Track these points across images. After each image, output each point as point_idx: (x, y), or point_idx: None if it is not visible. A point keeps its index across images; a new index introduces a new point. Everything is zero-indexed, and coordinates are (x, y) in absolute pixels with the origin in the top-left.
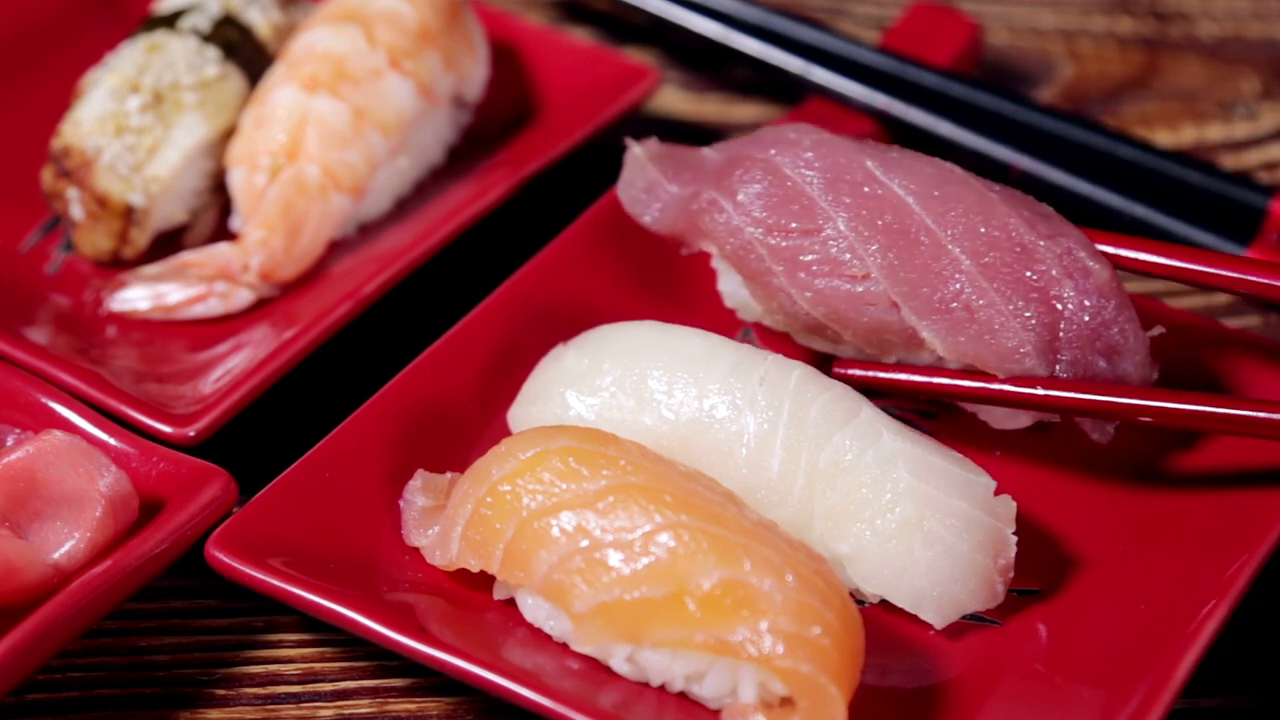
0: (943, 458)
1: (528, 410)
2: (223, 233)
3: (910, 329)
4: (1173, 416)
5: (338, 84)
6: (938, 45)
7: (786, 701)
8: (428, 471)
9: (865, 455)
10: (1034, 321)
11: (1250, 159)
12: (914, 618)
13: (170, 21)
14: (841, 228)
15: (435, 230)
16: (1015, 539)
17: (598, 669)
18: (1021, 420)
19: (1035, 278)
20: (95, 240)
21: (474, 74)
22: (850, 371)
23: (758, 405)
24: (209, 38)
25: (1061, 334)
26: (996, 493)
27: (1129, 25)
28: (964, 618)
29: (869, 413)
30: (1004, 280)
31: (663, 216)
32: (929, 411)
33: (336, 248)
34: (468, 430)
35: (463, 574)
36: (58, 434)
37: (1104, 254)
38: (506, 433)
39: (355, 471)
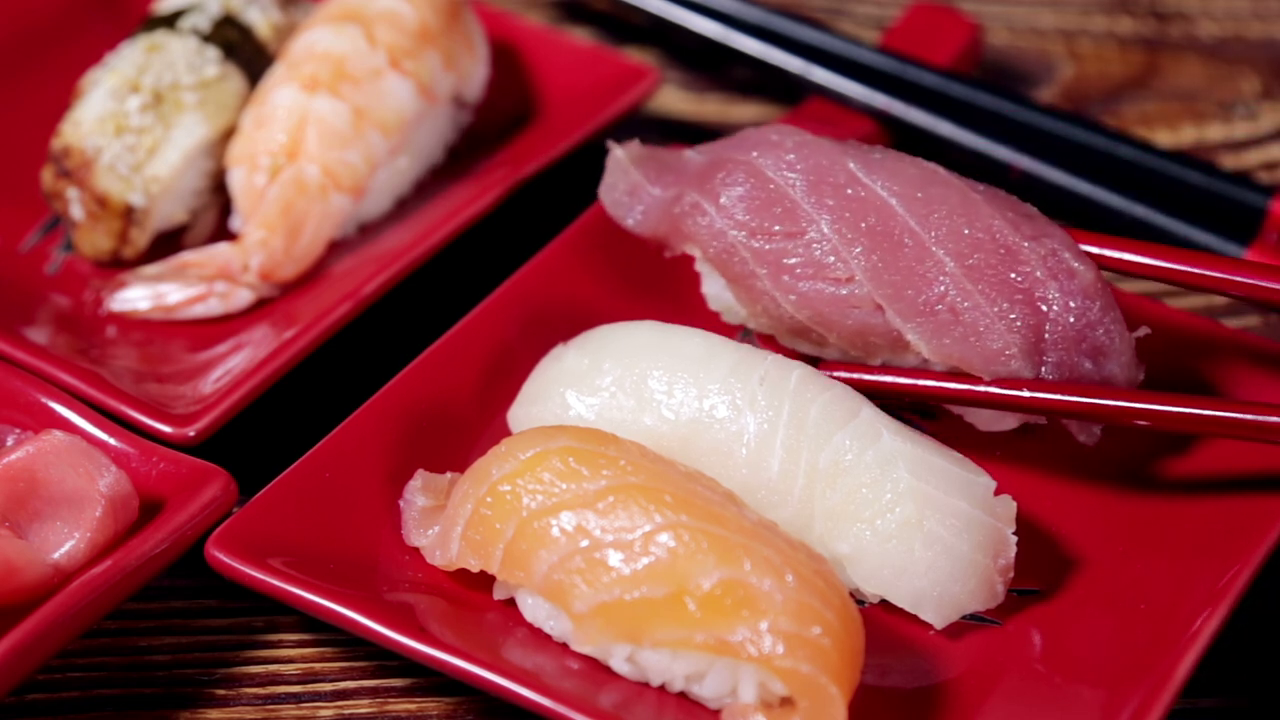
0: (943, 458)
1: (528, 410)
2: (223, 233)
3: (895, 331)
4: (1160, 418)
5: (338, 84)
6: (938, 45)
7: (786, 701)
8: (428, 471)
9: (865, 455)
10: (1019, 323)
11: (1250, 159)
12: (914, 618)
13: (170, 21)
14: (825, 230)
15: (435, 230)
16: (1015, 539)
17: (598, 669)
18: (1008, 422)
19: (1020, 279)
20: (95, 240)
21: (474, 74)
22: (836, 374)
23: (758, 405)
24: (209, 38)
25: (1047, 336)
26: (996, 493)
27: (1129, 25)
28: (964, 618)
29: (869, 413)
30: (988, 282)
31: (645, 219)
32: (929, 411)
33: (336, 248)
34: (468, 430)
35: (463, 574)
36: (58, 434)
37: (1089, 255)
38: (506, 433)
39: (355, 471)
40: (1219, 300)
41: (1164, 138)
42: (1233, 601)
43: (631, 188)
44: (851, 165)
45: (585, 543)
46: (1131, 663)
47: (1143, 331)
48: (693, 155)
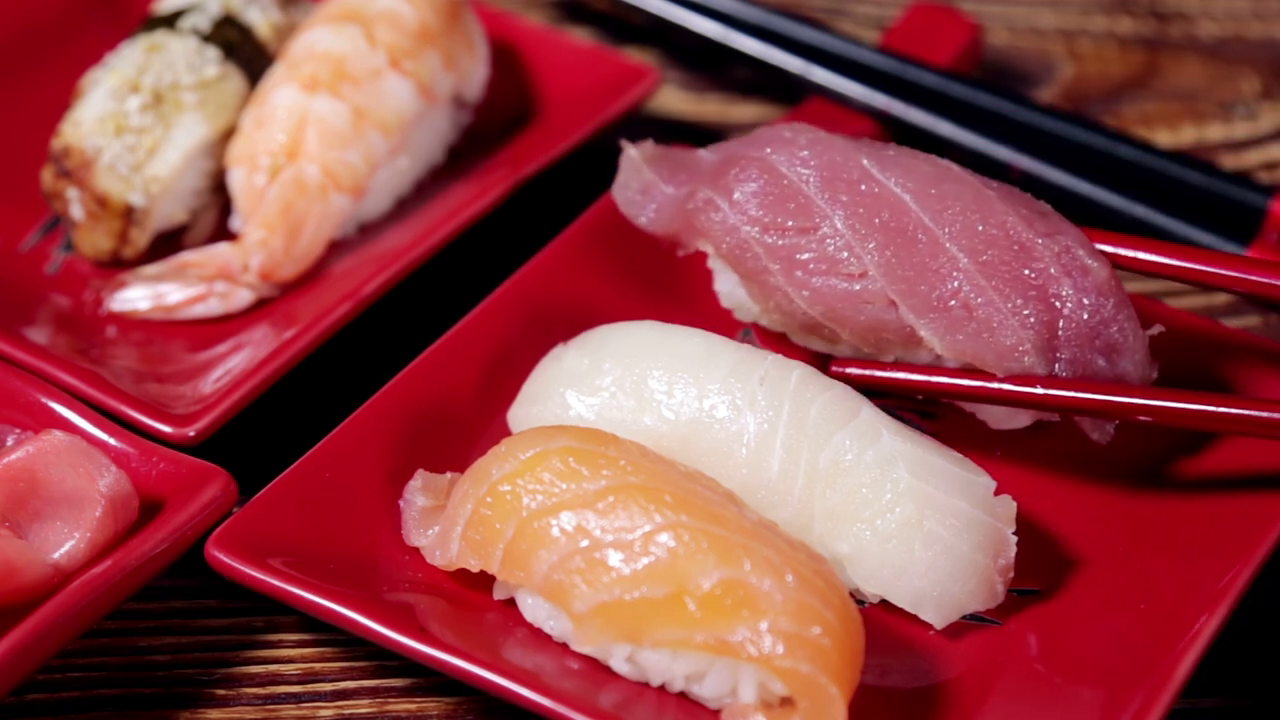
0: (943, 458)
1: (528, 410)
2: (223, 233)
3: (908, 327)
4: (1172, 415)
5: (338, 84)
6: (938, 45)
7: (786, 701)
8: (428, 471)
9: (865, 455)
10: (1033, 320)
11: (1250, 159)
12: (914, 618)
13: (170, 21)
14: (838, 226)
15: (435, 230)
16: (1015, 539)
17: (598, 669)
18: (1020, 420)
19: (1033, 276)
20: (95, 240)
21: (474, 74)
22: (848, 370)
23: (758, 405)
24: (209, 38)
25: (1060, 332)
26: (996, 493)
27: (1129, 25)
28: (964, 618)
29: (869, 413)
30: (1002, 278)
31: (658, 217)
32: (929, 411)
33: (336, 248)
34: (468, 430)
35: (463, 574)
36: (58, 434)
37: (1102, 252)
38: (506, 433)
39: (355, 471)
40: (1219, 300)
41: (1164, 138)
42: (1233, 601)
43: (644, 186)
44: (865, 161)
45: (585, 543)
46: (1131, 663)
47: (1156, 329)
48: (705, 154)
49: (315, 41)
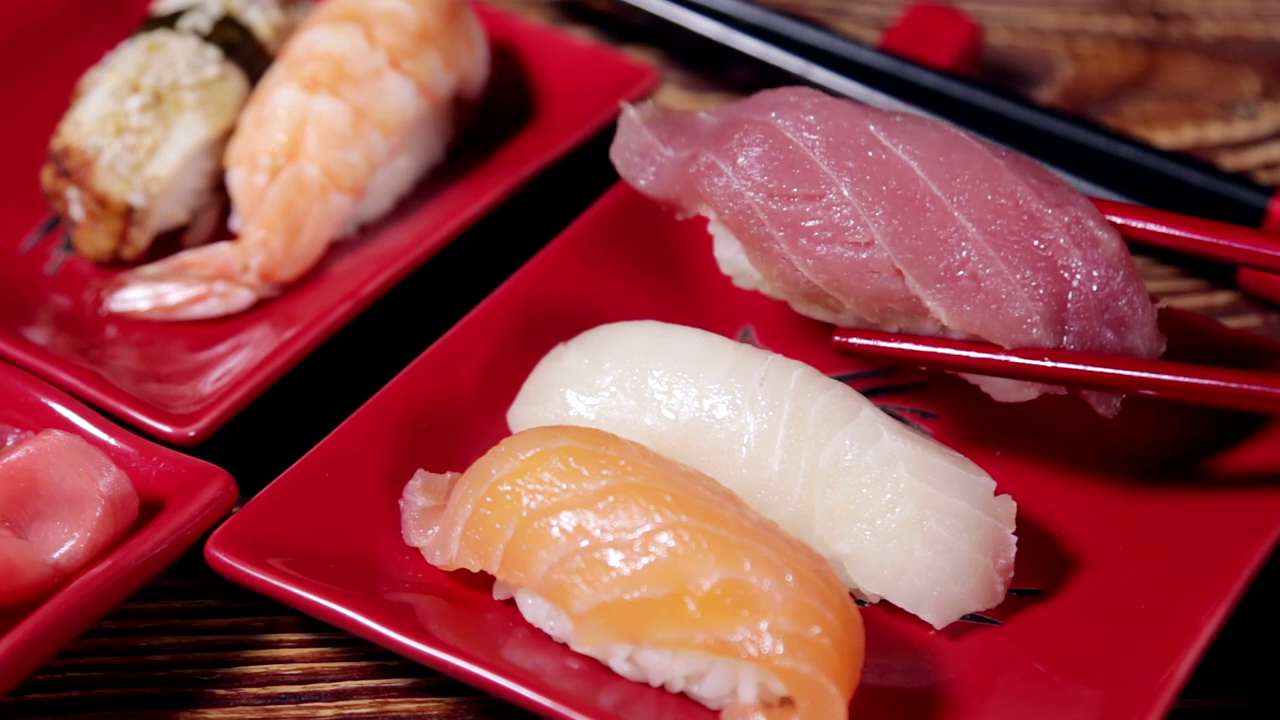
0: (943, 458)
1: (528, 410)
2: (223, 233)
3: (914, 298)
4: (1180, 390)
5: (338, 84)
6: (938, 45)
7: (786, 701)
8: (428, 471)
9: (865, 455)
10: (1041, 291)
11: (1250, 159)
12: (914, 618)
13: (170, 21)
14: (845, 193)
15: (435, 230)
16: (1015, 539)
17: (598, 669)
18: (1027, 393)
19: (1043, 247)
20: (95, 240)
21: (474, 74)
22: (851, 340)
23: (758, 405)
24: (209, 38)
25: (1069, 305)
26: (996, 493)
27: (1129, 25)
28: (964, 618)
29: (869, 413)
30: (1011, 249)
31: (657, 180)
32: (929, 412)
33: (336, 248)
34: (468, 430)
35: (463, 574)
36: (58, 434)
37: (1112, 224)
38: (506, 433)
39: (355, 471)
40: (1219, 300)
41: (1164, 138)
42: (1233, 601)
43: (644, 148)
44: (872, 127)
45: (585, 543)
46: (1131, 663)
47: (1164, 303)
48: (707, 116)
49: (315, 41)
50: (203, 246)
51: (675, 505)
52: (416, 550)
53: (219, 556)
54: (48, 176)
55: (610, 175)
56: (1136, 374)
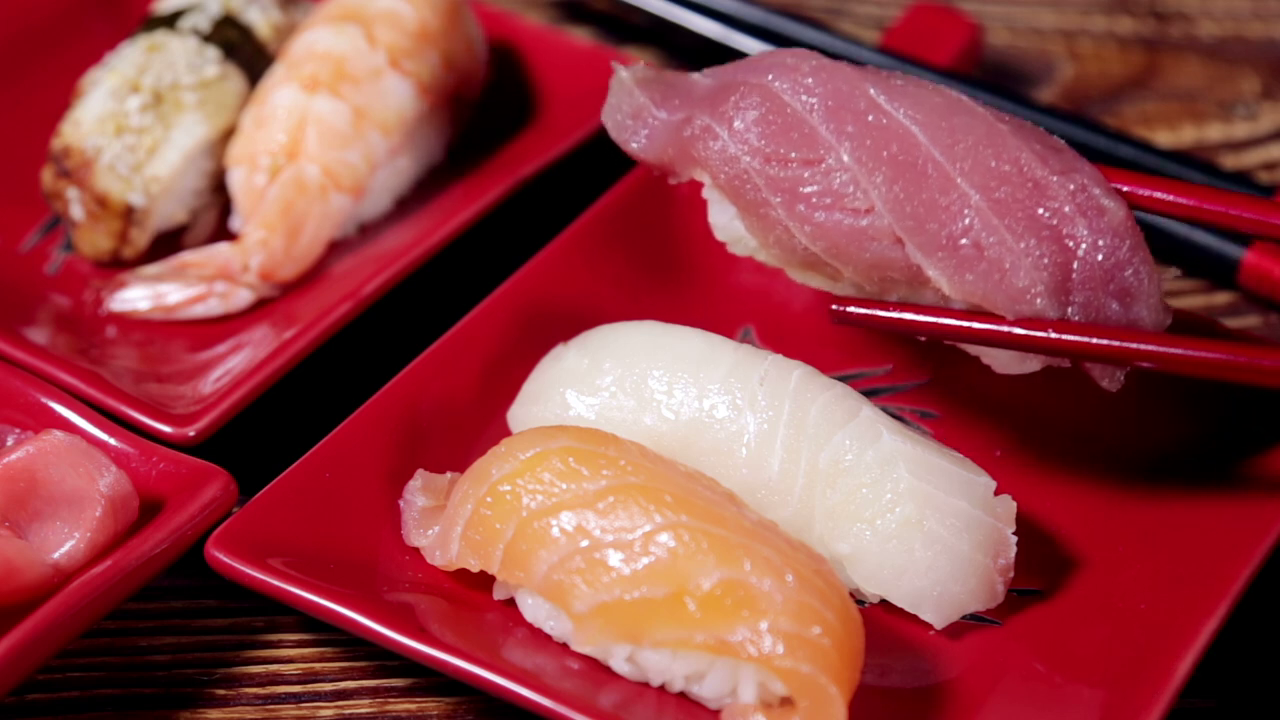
0: (943, 458)
1: (528, 410)
2: (223, 233)
3: (915, 266)
4: (1187, 364)
5: (338, 84)
6: (938, 45)
7: (786, 701)
8: (428, 471)
9: (865, 455)
10: (1046, 261)
11: (1250, 159)
12: (914, 618)
13: (170, 21)
14: (844, 159)
15: (435, 230)
16: (1015, 539)
17: (598, 669)
18: (1029, 365)
19: (1047, 215)
20: (95, 240)
21: (474, 74)
22: (849, 309)
23: (758, 405)
24: (209, 38)
25: (1074, 275)
26: (996, 493)
27: (1129, 25)
28: (964, 618)
29: (869, 413)
30: (1015, 217)
31: (650, 144)
32: (929, 411)
33: (336, 248)
34: (468, 430)
35: (463, 574)
36: (58, 434)
37: (1119, 192)
38: (506, 433)
39: (355, 471)
40: (1219, 300)
41: (1164, 138)
42: (1233, 601)
43: (635, 110)
44: (872, 91)
45: (585, 543)
46: (1131, 663)
47: (1172, 273)
48: (701, 78)
49: (315, 41)
50: (203, 246)
51: (675, 505)
52: (416, 550)
53: (219, 556)
54: (48, 176)
55: (610, 175)
56: (1142, 346)
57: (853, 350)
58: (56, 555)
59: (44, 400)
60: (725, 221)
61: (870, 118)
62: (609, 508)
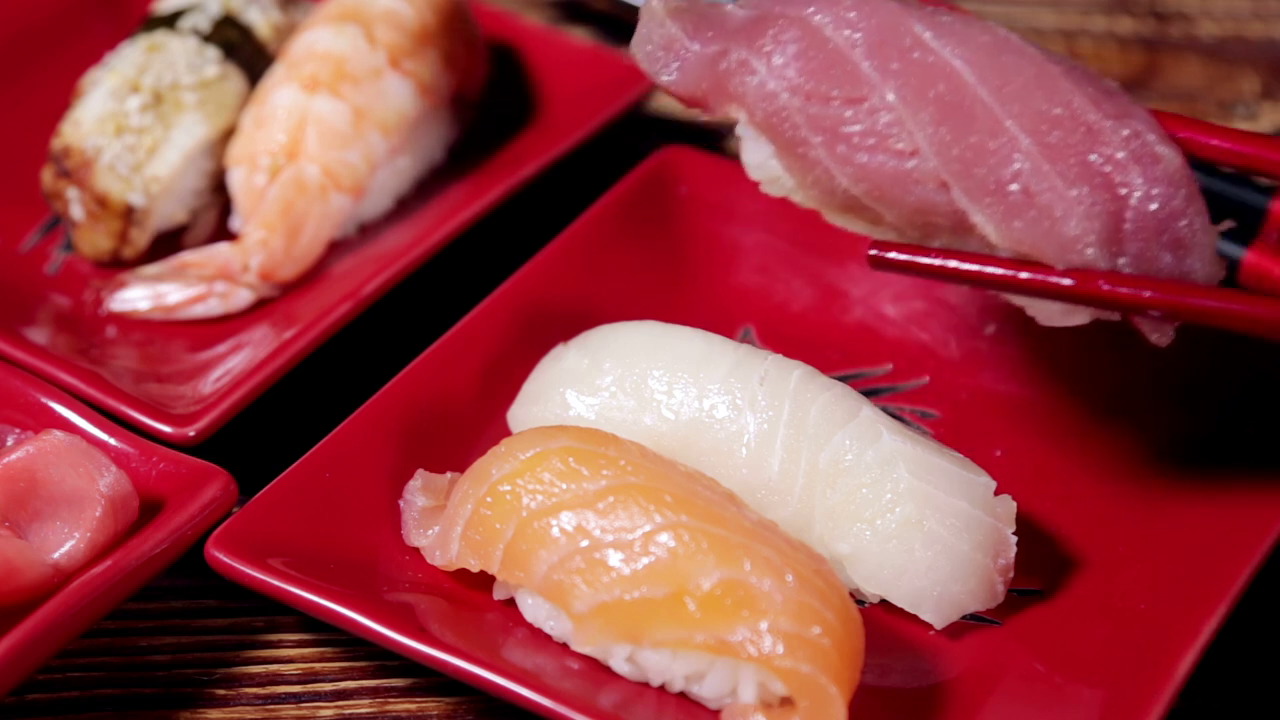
0: (943, 458)
1: (528, 410)
2: (223, 233)
3: (960, 212)
4: (1242, 320)
5: (338, 84)
6: None
7: (786, 701)
8: (428, 471)
9: (865, 455)
10: (1098, 209)
11: None
12: (914, 618)
13: (170, 21)
14: (889, 97)
15: (435, 230)
16: (1015, 539)
17: (598, 669)
18: (1077, 318)
19: (1100, 161)
20: (95, 240)
21: (474, 74)
22: (890, 255)
23: (758, 405)
24: (209, 38)
25: (1126, 225)
26: (996, 493)
27: (1129, 25)
28: (964, 618)
29: (869, 413)
30: (1066, 163)
31: (682, 77)
32: (929, 411)
33: (336, 248)
34: (468, 430)
35: (463, 574)
36: (58, 434)
37: (1174, 139)
38: (506, 433)
39: (355, 471)
40: None
41: None
42: (1233, 601)
43: (667, 41)
44: (918, 28)
45: (585, 543)
46: (1131, 663)
47: (1226, 224)
48: (735, 9)
49: (315, 41)
50: (203, 246)
51: (675, 505)
52: (416, 550)
53: (219, 556)
54: (48, 176)
55: (610, 176)
56: (1198, 302)
57: (853, 350)
58: (56, 555)
59: (44, 400)
60: (761, 160)
61: (916, 55)
62: (609, 508)
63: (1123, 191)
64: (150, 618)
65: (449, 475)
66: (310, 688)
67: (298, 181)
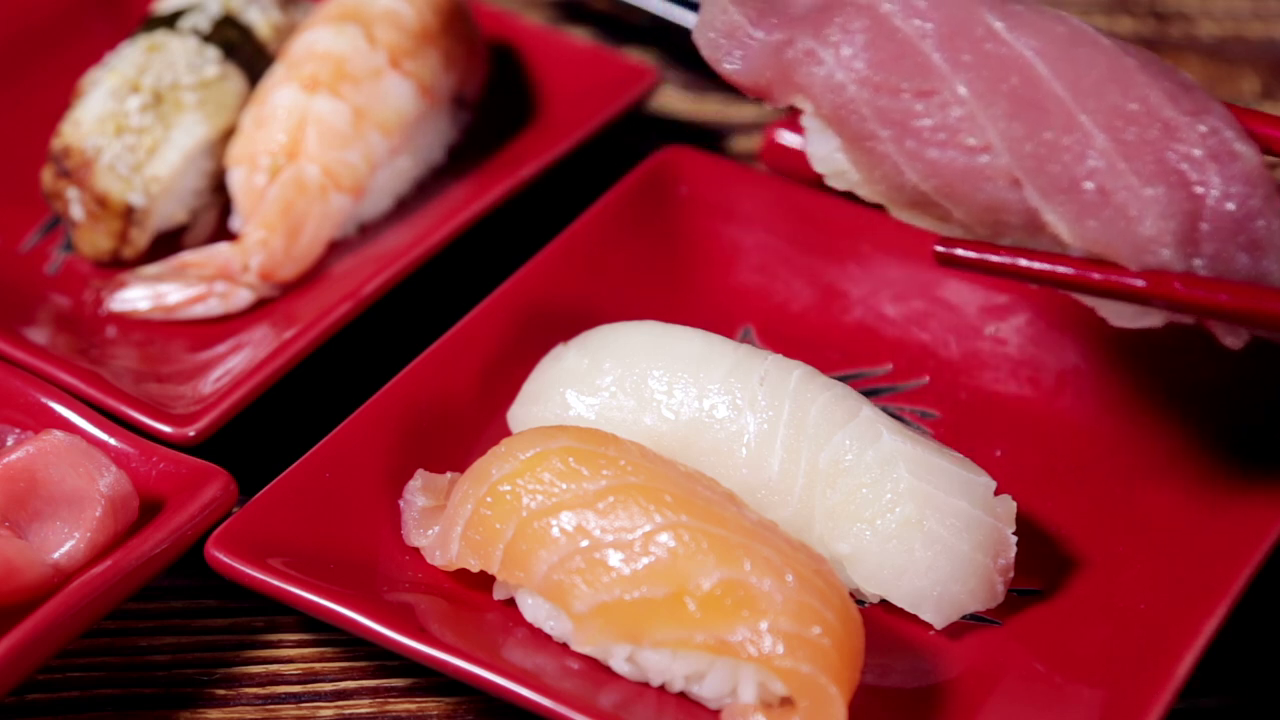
0: (943, 458)
1: (528, 410)
2: (223, 233)
3: (1032, 210)
4: None
5: (338, 84)
6: None
7: (786, 701)
8: (428, 471)
9: (865, 455)
10: (1174, 209)
11: None
12: (914, 618)
13: (170, 21)
14: (960, 91)
15: (435, 230)
16: (1015, 539)
17: (598, 669)
18: (1149, 320)
19: (1176, 159)
20: (95, 240)
21: (474, 74)
22: (957, 252)
23: (758, 405)
24: (209, 38)
25: (1203, 225)
26: (996, 493)
27: (1129, 25)
28: (964, 618)
29: (869, 413)
30: (1142, 160)
31: (746, 66)
32: (929, 411)
33: (336, 248)
34: (468, 430)
35: (463, 574)
36: (58, 434)
37: (1251, 136)
38: (506, 433)
39: (355, 471)
40: None
41: None
42: (1233, 601)
43: (730, 28)
44: (989, 18)
45: (585, 543)
46: (1131, 663)
47: None
48: None
49: (315, 41)
50: (203, 246)
51: (675, 505)
52: (416, 550)
53: (219, 556)
54: (48, 176)
55: (610, 176)
56: (1275, 308)
57: (853, 350)
58: (56, 555)
59: (44, 400)
60: (826, 153)
61: (988, 46)
62: (609, 508)
63: (1199, 190)
64: (150, 618)
65: (449, 475)
66: (310, 688)
67: (298, 181)
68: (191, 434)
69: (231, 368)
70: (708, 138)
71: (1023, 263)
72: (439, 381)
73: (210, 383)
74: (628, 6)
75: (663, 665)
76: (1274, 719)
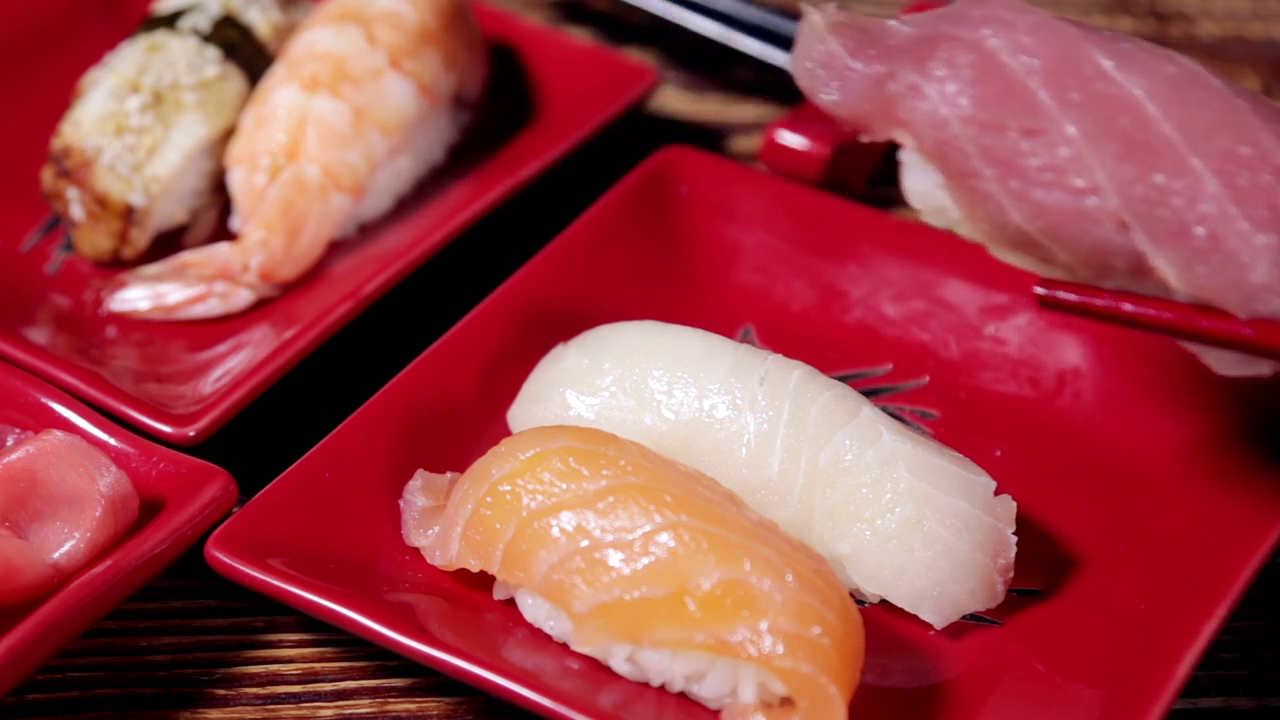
0: (943, 458)
1: (528, 410)
2: (223, 233)
3: (1139, 254)
4: None
5: (338, 84)
6: None
7: (786, 701)
8: (428, 471)
9: (865, 455)
10: None
11: None
12: (914, 618)
13: (170, 21)
14: (1068, 131)
15: (435, 230)
16: (1015, 539)
17: (598, 669)
18: (1257, 368)
19: None
20: (95, 240)
21: (474, 74)
22: (1060, 294)
23: (758, 405)
24: (209, 38)
25: None
26: (996, 493)
27: (1129, 25)
28: (964, 618)
29: (869, 413)
30: (1255, 206)
31: (845, 98)
32: (929, 411)
33: (336, 248)
34: (468, 430)
35: (463, 574)
36: (58, 434)
37: None
38: (506, 433)
39: (355, 471)
40: None
41: None
42: (1233, 601)
43: (827, 59)
44: (1098, 56)
45: (585, 543)
46: (1131, 663)
47: None
48: (900, 26)
49: (315, 41)
50: (203, 246)
51: (675, 505)
52: (416, 550)
53: (219, 556)
54: (48, 176)
55: (610, 176)
56: None
57: (853, 350)
58: (56, 555)
59: (44, 400)
60: (926, 189)
61: (1097, 85)
62: (609, 508)
63: None
64: (150, 618)
65: (449, 475)
66: (310, 688)
67: (298, 181)
68: (191, 434)
69: (231, 368)
70: (708, 138)
71: (1127, 307)
72: (439, 381)
73: (210, 383)
74: (628, 6)
75: (663, 665)
76: (1274, 719)
